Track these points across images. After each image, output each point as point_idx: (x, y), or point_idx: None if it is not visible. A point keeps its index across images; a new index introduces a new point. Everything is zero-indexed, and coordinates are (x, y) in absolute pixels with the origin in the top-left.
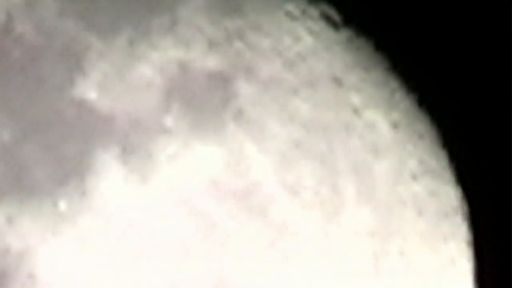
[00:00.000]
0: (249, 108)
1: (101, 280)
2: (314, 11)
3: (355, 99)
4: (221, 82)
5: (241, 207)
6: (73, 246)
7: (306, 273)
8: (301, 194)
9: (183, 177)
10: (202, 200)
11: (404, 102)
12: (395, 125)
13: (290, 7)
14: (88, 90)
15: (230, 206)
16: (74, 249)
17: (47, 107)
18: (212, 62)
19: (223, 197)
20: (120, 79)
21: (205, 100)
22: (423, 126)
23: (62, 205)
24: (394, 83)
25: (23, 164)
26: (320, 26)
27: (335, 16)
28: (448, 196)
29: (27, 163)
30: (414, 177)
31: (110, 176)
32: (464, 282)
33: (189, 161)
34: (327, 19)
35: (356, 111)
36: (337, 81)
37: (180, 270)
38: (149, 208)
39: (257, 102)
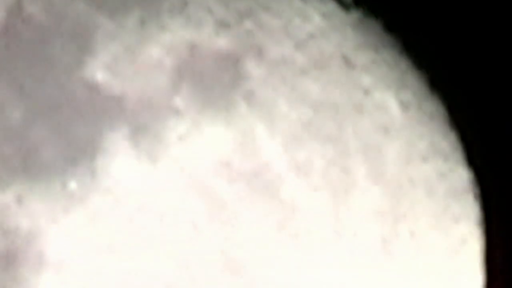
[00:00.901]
0: (259, 89)
1: (111, 260)
2: None
3: (365, 79)
4: (231, 63)
5: (251, 187)
6: (83, 226)
7: (315, 253)
8: (310, 175)
9: (193, 157)
10: (212, 180)
11: (414, 83)
12: (405, 106)
13: None
14: (98, 71)
15: (240, 187)
16: (84, 229)
17: (56, 88)
18: (222, 42)
19: (233, 177)
20: (130, 59)
21: (215, 81)
22: (433, 107)
23: (72, 185)
24: (404, 64)
25: (33, 145)
26: (330, 6)
27: None
28: (459, 176)
29: (36, 144)
30: (424, 158)
31: (120, 157)
32: (474, 263)
33: (199, 142)
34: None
35: (366, 91)
36: (347, 62)
37: (189, 250)
38: (159, 188)
39: (267, 82)
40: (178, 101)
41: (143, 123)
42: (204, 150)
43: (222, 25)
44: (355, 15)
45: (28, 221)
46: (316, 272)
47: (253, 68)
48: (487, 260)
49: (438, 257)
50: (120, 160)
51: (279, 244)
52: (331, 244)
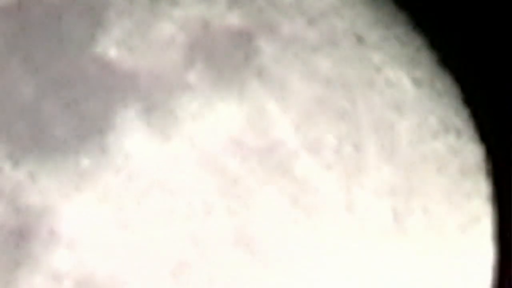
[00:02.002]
0: (271, 66)
1: (123, 237)
2: None
3: (377, 56)
4: (243, 40)
5: (263, 164)
6: (95, 203)
7: (327, 231)
8: (322, 152)
9: (205, 134)
10: (224, 157)
11: (427, 60)
12: (417, 83)
13: None
14: (110, 47)
15: (252, 163)
16: (96, 206)
17: (68, 64)
18: (234, 19)
19: (245, 154)
20: (141, 36)
21: (227, 58)
22: (445, 83)
23: (84, 162)
24: (416, 40)
25: (45, 121)
26: None
27: None
28: (471, 153)
29: (48, 120)
30: (436, 135)
31: (132, 134)
32: (486, 239)
33: (211, 119)
34: None
35: (378, 68)
36: (359, 39)
37: (201, 227)
38: (171, 165)
39: (279, 59)
40: (191, 78)
41: (155, 99)
42: (217, 127)
43: (234, 1)
44: None
45: (41, 198)
46: (328, 249)
47: (265, 45)
48: (499, 237)
49: (450, 234)
50: (132, 137)
51: (291, 221)
52: (343, 221)
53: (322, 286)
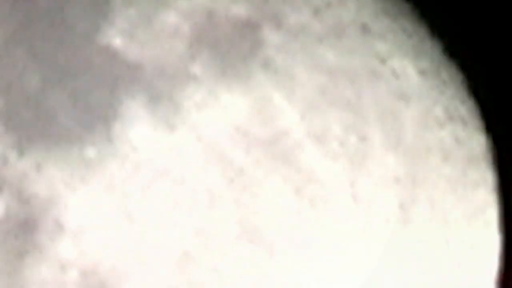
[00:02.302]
0: (276, 56)
1: (128, 228)
2: None
3: (383, 47)
4: (248, 30)
5: (268, 155)
6: (100, 193)
7: (332, 220)
8: (328, 142)
9: (210, 125)
10: (230, 147)
11: (432, 50)
12: (422, 73)
13: None
14: (115, 37)
15: (257, 154)
16: (102, 196)
17: (73, 54)
18: (239, 10)
19: (250, 145)
20: (146, 26)
21: (232, 48)
22: (451, 74)
23: (90, 152)
24: (421, 31)
25: (50, 111)
26: None
27: None
28: (476, 143)
29: (54, 110)
30: (441, 124)
31: (137, 124)
32: (492, 229)
33: (216, 109)
34: None
35: (383, 59)
36: (365, 29)
37: (207, 216)
38: (176, 155)
39: (284, 50)
40: (195, 69)
41: (161, 90)
42: (222, 117)
43: None
44: None
45: (47, 188)
46: (332, 238)
47: (270, 36)
48: (505, 226)
49: (455, 224)
50: (138, 127)
51: (296, 211)
52: (348, 211)
53: (327, 276)
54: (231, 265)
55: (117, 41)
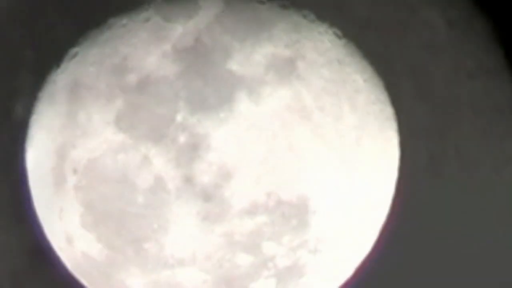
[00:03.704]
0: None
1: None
2: None
3: None
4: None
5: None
6: (229, 135)
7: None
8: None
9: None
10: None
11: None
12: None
13: None
14: (233, 65)
15: None
16: (229, 137)
17: (214, 73)
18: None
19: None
20: (248, 57)
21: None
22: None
23: (222, 115)
24: None
25: (205, 98)
26: None
27: None
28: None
29: (207, 98)
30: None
31: (243, 103)
32: None
33: (277, 98)
34: None
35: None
36: None
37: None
38: (266, 119)
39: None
40: (267, 78)
41: (253, 88)
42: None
43: None
44: None
45: (203, 130)
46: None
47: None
48: None
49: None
50: (243, 105)
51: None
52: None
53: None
54: None
55: (234, 67)
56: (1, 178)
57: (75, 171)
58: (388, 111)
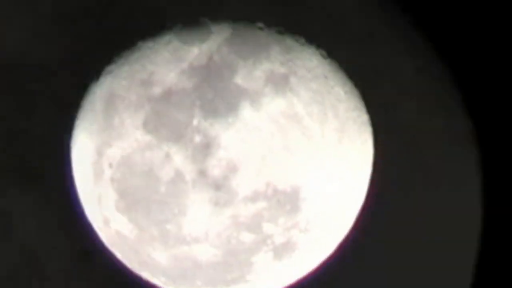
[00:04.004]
0: None
1: (248, 145)
2: None
3: None
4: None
5: None
6: (234, 134)
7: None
8: None
9: (275, 109)
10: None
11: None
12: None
13: None
14: (238, 79)
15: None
16: (235, 136)
17: (223, 86)
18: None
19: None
20: (250, 73)
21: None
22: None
23: (230, 120)
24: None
25: (215, 107)
26: None
27: None
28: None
29: (217, 106)
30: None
31: (246, 109)
32: None
33: (273, 105)
34: None
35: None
36: None
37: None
38: (266, 122)
39: None
40: (266, 90)
41: (254, 98)
42: (277, 108)
43: None
44: None
45: (214, 131)
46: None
47: None
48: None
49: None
50: (246, 111)
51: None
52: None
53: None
54: None
55: (239, 81)
56: (53, 171)
57: (110, 165)
58: (364, 117)
